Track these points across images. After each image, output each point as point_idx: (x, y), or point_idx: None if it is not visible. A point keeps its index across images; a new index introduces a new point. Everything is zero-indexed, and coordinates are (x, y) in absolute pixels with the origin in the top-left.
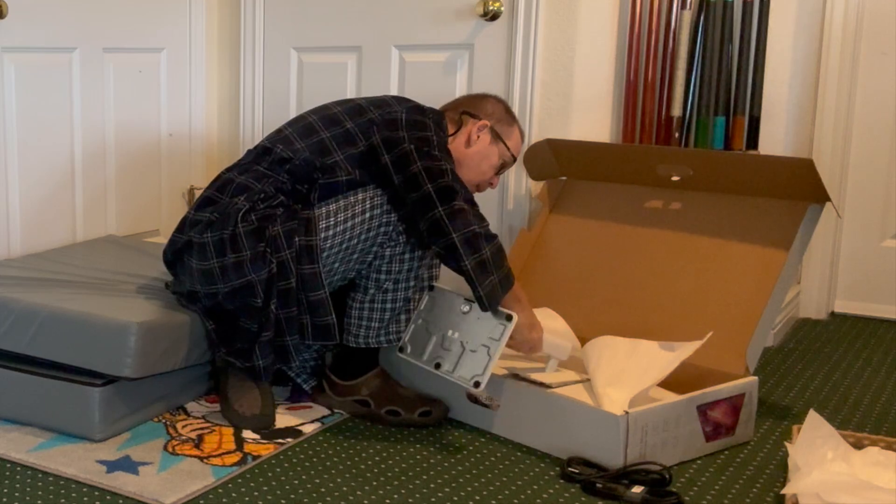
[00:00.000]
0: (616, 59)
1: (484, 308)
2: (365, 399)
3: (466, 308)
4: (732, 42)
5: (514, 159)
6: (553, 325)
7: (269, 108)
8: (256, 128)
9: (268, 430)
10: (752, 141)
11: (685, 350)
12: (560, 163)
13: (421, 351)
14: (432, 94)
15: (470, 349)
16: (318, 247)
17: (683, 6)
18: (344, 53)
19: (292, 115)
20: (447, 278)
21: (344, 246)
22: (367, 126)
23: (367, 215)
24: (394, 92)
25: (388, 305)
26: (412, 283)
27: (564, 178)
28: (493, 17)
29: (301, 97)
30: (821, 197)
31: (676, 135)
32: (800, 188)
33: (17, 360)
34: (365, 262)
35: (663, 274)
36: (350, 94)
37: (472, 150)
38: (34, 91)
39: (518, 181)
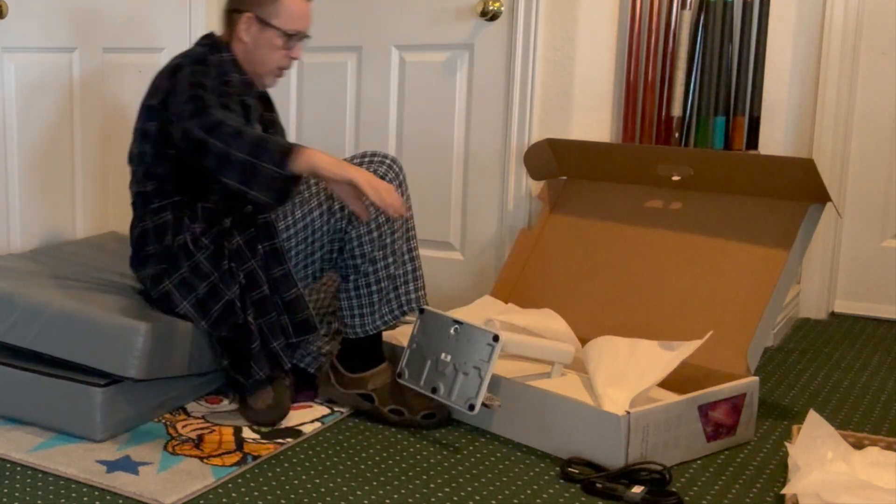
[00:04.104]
0: (616, 59)
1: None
2: (369, 394)
3: (454, 331)
4: (732, 42)
5: (301, 30)
6: (553, 326)
7: None
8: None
9: (282, 420)
10: (752, 141)
11: (685, 350)
12: (560, 163)
13: (418, 375)
14: (432, 94)
15: (462, 372)
16: (282, 249)
17: (683, 6)
18: (344, 53)
19: (292, 115)
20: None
21: (308, 241)
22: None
23: (325, 207)
24: (394, 91)
25: (374, 288)
26: (391, 259)
27: (564, 178)
28: (493, 17)
29: (301, 97)
30: (821, 197)
31: (676, 135)
32: (800, 188)
33: (19, 356)
34: (334, 250)
35: (663, 274)
36: (350, 93)
37: (249, 45)
38: (34, 91)
39: (518, 181)
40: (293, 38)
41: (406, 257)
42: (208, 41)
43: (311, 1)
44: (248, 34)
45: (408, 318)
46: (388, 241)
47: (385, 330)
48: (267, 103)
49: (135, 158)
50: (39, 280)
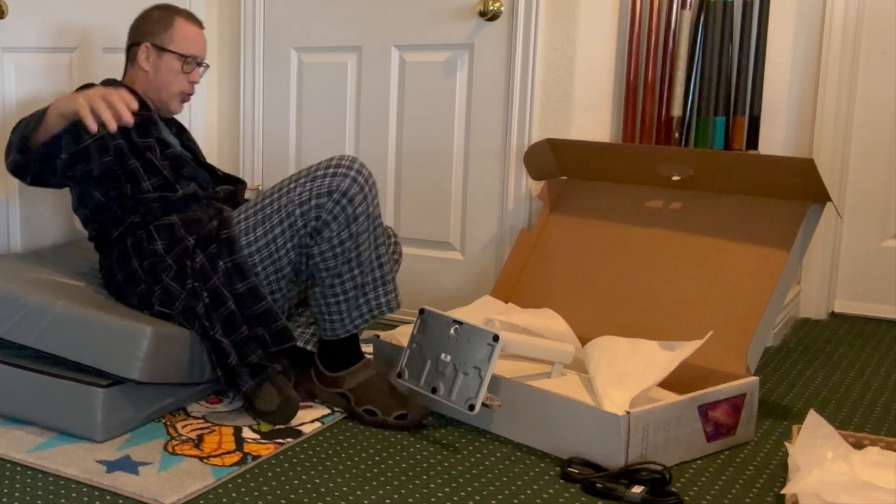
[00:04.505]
0: (616, 59)
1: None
2: (346, 393)
3: (454, 331)
4: (732, 42)
5: (196, 55)
6: (553, 326)
7: (268, 108)
8: (256, 128)
9: (297, 412)
10: (752, 141)
11: (685, 350)
12: (560, 163)
13: (417, 375)
14: (432, 94)
15: (462, 372)
16: (244, 263)
17: (683, 6)
18: (344, 53)
19: (292, 115)
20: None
21: (273, 258)
22: None
23: (286, 223)
24: (394, 91)
25: (341, 297)
26: (357, 271)
27: (564, 177)
28: (493, 17)
29: (301, 97)
30: (821, 197)
31: (676, 135)
32: (800, 188)
33: (21, 355)
34: (302, 262)
35: (663, 274)
36: (350, 94)
37: (150, 72)
38: (34, 91)
39: (518, 181)
40: (189, 61)
41: (374, 264)
42: (104, 81)
43: (204, 29)
44: (148, 62)
45: (404, 317)
46: (353, 255)
47: (363, 328)
48: (180, 127)
49: (74, 206)
50: (43, 279)
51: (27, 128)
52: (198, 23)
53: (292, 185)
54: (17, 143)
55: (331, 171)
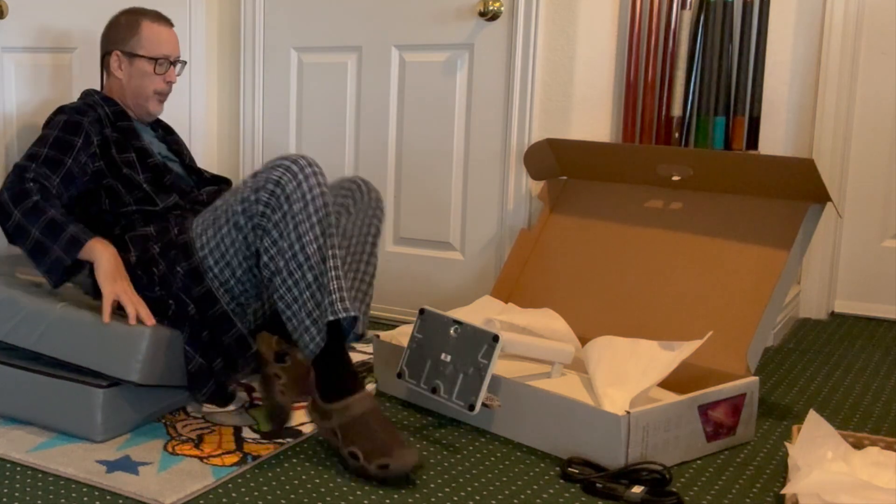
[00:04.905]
0: (616, 59)
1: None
2: (335, 429)
3: (454, 331)
4: (732, 42)
5: (168, 55)
6: (553, 326)
7: (269, 109)
8: (257, 128)
9: (286, 422)
10: (752, 141)
11: (685, 350)
12: (560, 163)
13: (418, 375)
14: (432, 94)
15: (462, 372)
16: (201, 267)
17: (683, 6)
18: (344, 53)
19: (292, 115)
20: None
21: (226, 259)
22: None
23: (232, 222)
24: (394, 91)
25: (300, 303)
26: (305, 267)
27: (564, 177)
28: (493, 17)
29: (301, 97)
30: (821, 197)
31: (676, 135)
32: (800, 188)
33: (20, 355)
34: (254, 266)
35: (663, 274)
36: (350, 94)
37: (124, 79)
38: (34, 91)
39: (518, 181)
40: (161, 62)
41: (329, 264)
42: (83, 93)
43: (173, 27)
44: (120, 70)
45: (404, 317)
46: (297, 247)
47: (326, 350)
48: (167, 128)
49: None
50: (42, 282)
51: (55, 236)
52: (165, 21)
53: (239, 185)
54: (22, 230)
55: (269, 165)
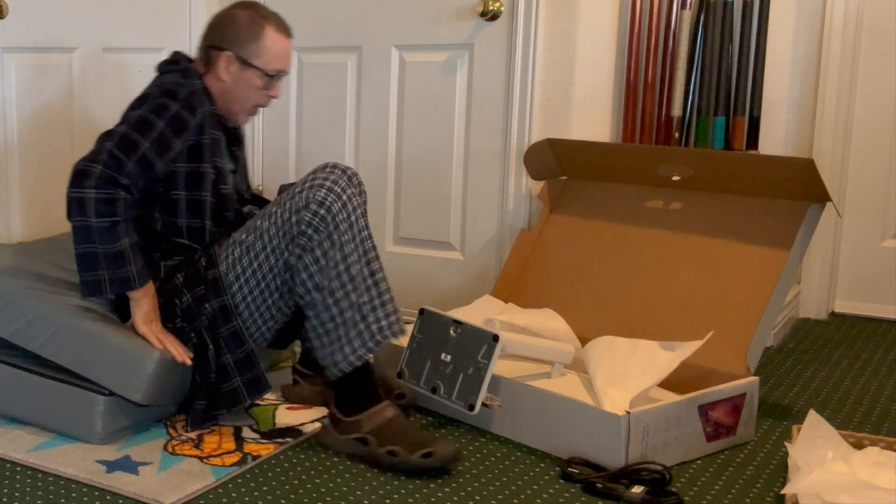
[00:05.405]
0: (616, 59)
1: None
2: (365, 437)
3: (454, 331)
4: (732, 42)
5: (283, 69)
6: (553, 326)
7: (269, 108)
8: (257, 128)
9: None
10: (752, 141)
11: (685, 350)
12: (560, 163)
13: (418, 375)
14: (432, 94)
15: (462, 371)
16: (230, 306)
17: (683, 6)
18: (344, 53)
19: (292, 115)
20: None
21: (261, 286)
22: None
23: (270, 247)
24: (394, 91)
25: (338, 321)
26: (350, 287)
27: (564, 177)
28: (493, 17)
29: (301, 97)
30: (821, 197)
31: (676, 135)
32: (800, 188)
33: (23, 355)
34: (288, 290)
35: (663, 274)
36: (350, 94)
37: (227, 84)
38: (34, 91)
39: (518, 181)
40: (274, 78)
41: (369, 281)
42: (178, 66)
43: (292, 38)
44: (227, 73)
45: (405, 317)
46: (342, 267)
47: (361, 364)
48: (236, 138)
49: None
50: (55, 280)
51: (110, 265)
52: (287, 31)
53: (274, 209)
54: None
55: (307, 184)
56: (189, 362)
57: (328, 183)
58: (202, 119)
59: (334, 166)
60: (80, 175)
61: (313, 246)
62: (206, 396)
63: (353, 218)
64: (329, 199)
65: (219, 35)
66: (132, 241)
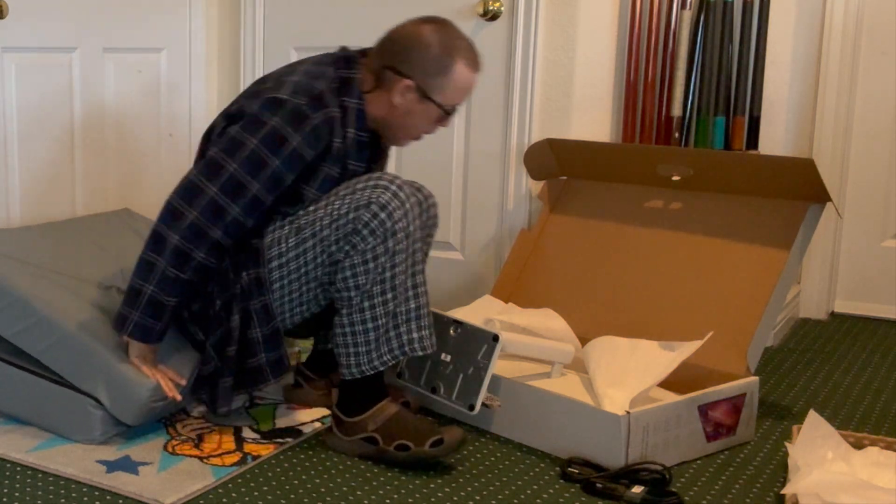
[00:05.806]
0: (616, 59)
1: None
2: (372, 436)
3: (454, 331)
4: (732, 42)
5: (461, 102)
6: (553, 326)
7: None
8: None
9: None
10: (752, 141)
11: (685, 350)
12: (560, 163)
13: (417, 375)
14: None
15: (462, 372)
16: (265, 278)
17: (683, 6)
18: None
19: None
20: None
21: (301, 271)
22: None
23: (319, 237)
24: None
25: (370, 325)
26: (391, 295)
27: (564, 177)
28: (493, 17)
29: None
30: (821, 197)
31: (676, 135)
32: (800, 188)
33: (25, 354)
34: (327, 282)
35: (663, 274)
36: None
37: (399, 110)
38: (34, 91)
39: (518, 181)
40: (449, 113)
41: (410, 293)
42: (339, 75)
43: (480, 70)
44: (402, 100)
45: None
46: (388, 274)
47: (384, 370)
48: (381, 153)
49: None
50: (63, 280)
51: (162, 293)
52: (477, 64)
53: (331, 199)
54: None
55: (371, 183)
56: (179, 399)
57: (393, 187)
58: (331, 147)
59: (397, 176)
60: (173, 214)
61: (365, 248)
62: (231, 373)
63: (410, 228)
64: (392, 204)
65: (403, 59)
66: (180, 301)
